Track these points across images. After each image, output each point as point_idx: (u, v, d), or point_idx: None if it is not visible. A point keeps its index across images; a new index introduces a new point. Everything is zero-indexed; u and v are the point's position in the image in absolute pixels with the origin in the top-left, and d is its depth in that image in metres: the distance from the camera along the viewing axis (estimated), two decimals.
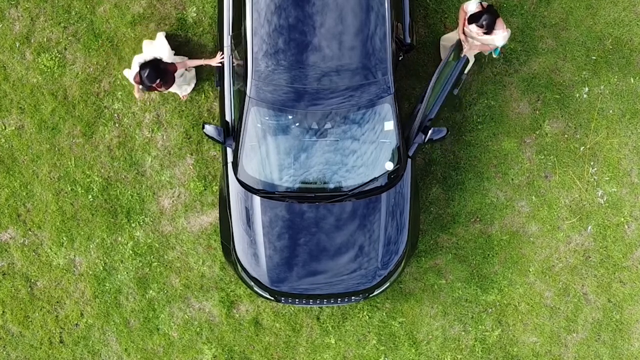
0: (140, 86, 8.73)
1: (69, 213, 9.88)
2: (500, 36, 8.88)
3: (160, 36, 9.43)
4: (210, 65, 9.42)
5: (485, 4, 8.93)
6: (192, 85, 9.72)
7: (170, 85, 8.84)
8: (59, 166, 9.87)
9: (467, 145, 9.92)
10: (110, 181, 9.88)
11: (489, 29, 8.80)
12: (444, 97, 8.93)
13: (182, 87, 9.59)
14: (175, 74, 8.89)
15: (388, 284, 9.28)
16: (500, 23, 8.86)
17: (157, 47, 9.25)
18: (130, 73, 9.25)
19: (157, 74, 8.59)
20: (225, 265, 9.87)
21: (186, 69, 9.25)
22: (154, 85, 8.64)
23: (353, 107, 8.65)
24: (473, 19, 8.84)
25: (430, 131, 8.90)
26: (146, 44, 9.36)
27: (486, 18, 8.75)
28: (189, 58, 9.52)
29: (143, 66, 8.61)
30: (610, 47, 9.97)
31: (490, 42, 8.93)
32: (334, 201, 8.93)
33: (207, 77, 9.84)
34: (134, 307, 9.90)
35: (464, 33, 9.03)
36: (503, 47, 9.53)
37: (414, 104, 9.64)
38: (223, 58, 9.11)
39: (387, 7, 8.61)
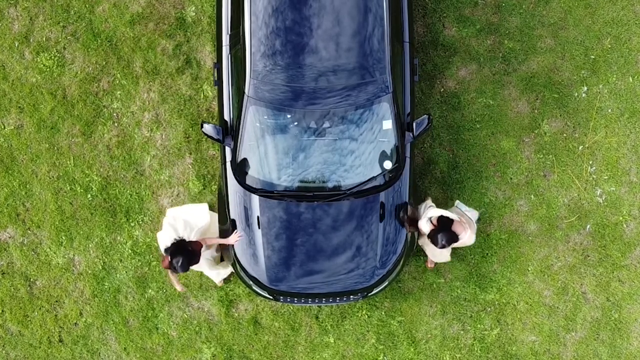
0: (171, 270, 8.68)
1: (68, 212, 9.88)
2: (466, 237, 8.81)
3: (205, 207, 9.42)
4: (226, 245, 9.26)
5: (435, 218, 8.82)
6: (229, 270, 9.56)
7: (198, 261, 8.73)
8: (58, 165, 9.88)
9: (465, 145, 9.93)
10: (110, 180, 9.89)
11: (450, 243, 8.69)
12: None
13: (217, 272, 9.49)
14: (202, 250, 8.81)
15: (387, 282, 9.28)
16: (459, 226, 8.74)
17: (196, 214, 9.22)
18: (162, 237, 9.10)
19: (189, 259, 8.49)
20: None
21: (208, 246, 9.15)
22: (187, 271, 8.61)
23: (351, 106, 8.66)
24: (432, 239, 8.74)
25: (414, 125, 8.92)
26: (186, 209, 9.34)
27: (443, 237, 8.63)
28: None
29: (173, 253, 8.48)
30: (609, 46, 9.97)
31: (460, 245, 8.89)
32: (332, 200, 8.93)
33: (206, 76, 9.85)
34: (133, 306, 9.91)
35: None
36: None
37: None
38: (240, 237, 9.04)
39: (385, 8, 8.61)
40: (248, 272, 9.16)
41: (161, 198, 9.89)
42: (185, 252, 8.49)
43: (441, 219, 8.81)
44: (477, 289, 9.92)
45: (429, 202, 9.39)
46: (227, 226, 9.13)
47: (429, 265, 9.80)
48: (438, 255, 9.35)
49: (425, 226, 8.91)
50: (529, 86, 9.94)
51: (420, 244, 9.48)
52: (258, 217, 9.02)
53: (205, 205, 9.48)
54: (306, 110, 8.65)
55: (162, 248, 8.83)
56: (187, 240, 8.67)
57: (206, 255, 9.10)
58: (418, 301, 9.92)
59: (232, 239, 9.03)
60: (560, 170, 9.97)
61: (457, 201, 9.52)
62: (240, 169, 8.92)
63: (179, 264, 8.43)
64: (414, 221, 9.16)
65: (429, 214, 8.95)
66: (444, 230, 8.70)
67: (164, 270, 9.49)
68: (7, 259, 9.92)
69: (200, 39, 9.85)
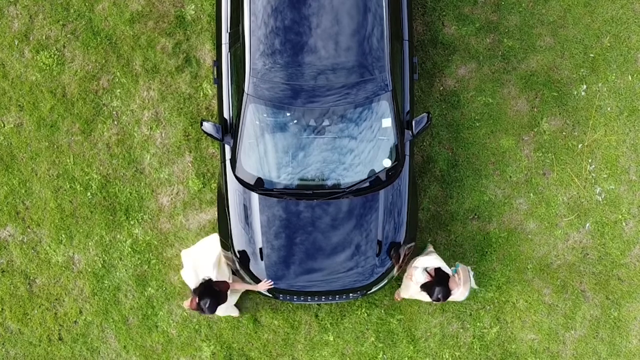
0: (198, 312, 8.67)
1: (67, 210, 9.89)
2: (458, 294, 8.76)
3: (216, 237, 9.35)
4: (254, 291, 9.22)
5: (432, 269, 8.77)
6: (236, 313, 9.61)
7: (225, 301, 8.71)
8: (57, 164, 9.88)
9: (465, 143, 9.93)
10: (109, 179, 9.89)
11: (445, 299, 8.64)
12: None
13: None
14: (228, 292, 8.77)
15: (386, 281, 9.29)
16: (452, 281, 8.68)
17: (210, 248, 9.17)
18: (186, 274, 9.07)
19: (216, 300, 8.49)
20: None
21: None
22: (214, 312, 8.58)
23: (351, 104, 8.66)
24: (426, 289, 8.68)
25: (413, 123, 8.92)
26: (200, 246, 9.27)
27: (440, 291, 8.56)
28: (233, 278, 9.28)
29: (201, 295, 8.46)
30: (608, 44, 9.98)
31: (450, 300, 8.84)
32: (332, 198, 8.94)
33: (206, 75, 9.85)
34: (132, 304, 9.92)
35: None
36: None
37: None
38: (270, 285, 8.99)
39: (385, 6, 8.62)
40: (248, 270, 9.17)
41: (161, 196, 9.90)
42: (212, 293, 8.49)
43: (438, 271, 8.76)
44: (476, 287, 9.92)
45: (430, 248, 9.36)
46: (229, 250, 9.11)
47: (397, 298, 9.74)
48: (416, 295, 9.18)
49: (420, 276, 8.83)
50: (528, 84, 9.95)
51: (404, 285, 9.41)
52: (257, 215, 9.02)
53: (215, 235, 9.42)
54: (306, 108, 8.66)
55: (191, 287, 8.82)
56: (214, 280, 8.66)
57: (231, 299, 9.13)
58: (417, 299, 9.93)
59: (262, 287, 8.98)
60: (560, 168, 9.97)
61: (458, 262, 9.34)
62: (240, 167, 8.93)
63: (207, 305, 8.43)
64: (402, 258, 9.13)
65: (425, 263, 8.87)
66: (441, 285, 8.61)
67: (190, 309, 9.23)
68: (7, 257, 9.93)
69: (199, 37, 9.86)
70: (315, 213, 9.04)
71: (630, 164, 9.99)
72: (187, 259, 9.06)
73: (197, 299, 8.47)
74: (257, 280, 9.13)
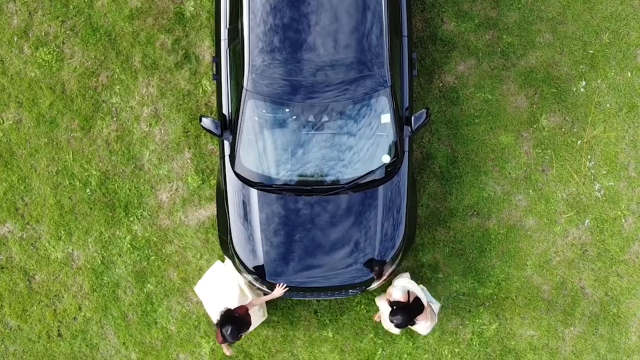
0: (226, 343, 8.68)
1: (67, 207, 9.89)
2: (422, 326, 8.75)
3: (220, 265, 9.36)
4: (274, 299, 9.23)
5: (412, 294, 8.72)
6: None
7: (248, 327, 8.74)
8: (57, 160, 9.89)
9: (464, 139, 9.94)
10: (108, 175, 9.90)
11: (399, 327, 8.61)
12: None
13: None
14: (250, 312, 8.80)
15: (385, 276, 9.29)
16: (424, 314, 8.64)
17: (220, 277, 9.21)
18: (209, 310, 9.12)
19: (238, 327, 8.51)
20: (223, 259, 9.88)
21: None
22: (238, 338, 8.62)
23: (350, 100, 8.66)
24: (392, 310, 8.63)
25: (412, 120, 8.92)
26: (215, 269, 9.29)
27: (399, 319, 8.51)
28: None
29: (222, 324, 8.50)
30: (608, 41, 9.98)
31: (412, 328, 8.82)
32: (331, 194, 8.94)
33: (205, 71, 9.86)
34: (132, 300, 9.92)
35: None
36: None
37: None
38: (286, 289, 9.00)
39: (384, 2, 8.62)
40: (247, 266, 9.17)
41: (160, 193, 9.90)
42: (233, 321, 8.51)
43: (416, 299, 8.72)
44: (475, 283, 9.93)
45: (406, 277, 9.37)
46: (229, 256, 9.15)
47: (376, 319, 9.71)
48: (386, 322, 9.19)
49: (397, 293, 8.80)
50: (527, 81, 9.95)
51: (377, 300, 9.41)
52: (256, 210, 9.02)
53: (219, 263, 9.43)
54: (304, 104, 8.66)
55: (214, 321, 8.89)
56: (231, 308, 8.68)
57: (257, 314, 9.14)
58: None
59: (278, 293, 8.97)
60: (559, 165, 9.97)
61: (424, 287, 9.30)
62: (239, 163, 8.93)
63: (229, 332, 8.46)
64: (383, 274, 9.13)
65: (408, 285, 8.84)
66: (409, 314, 8.56)
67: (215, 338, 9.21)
68: (6, 254, 9.93)
69: (199, 34, 9.86)
70: (315, 210, 9.04)
71: (630, 161, 9.98)
72: (205, 296, 9.12)
73: (220, 330, 8.52)
74: (256, 276, 9.14)
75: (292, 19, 8.57)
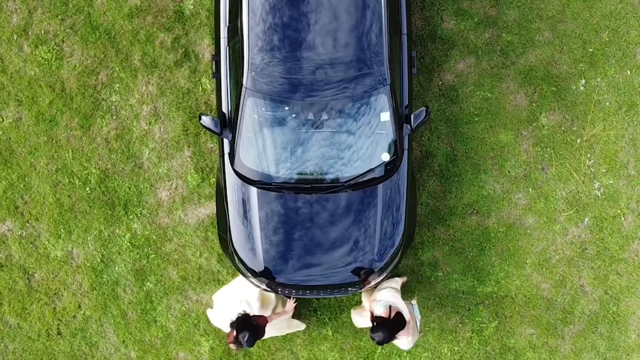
0: (236, 346, 8.66)
1: (66, 205, 9.89)
2: (403, 342, 8.70)
3: (242, 279, 9.32)
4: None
5: (395, 309, 8.67)
6: (300, 325, 9.64)
7: (262, 336, 8.72)
8: (56, 158, 9.89)
9: (463, 138, 9.94)
10: (108, 173, 9.90)
11: (380, 344, 8.57)
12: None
13: (292, 325, 9.58)
14: (267, 326, 8.80)
15: (384, 275, 9.28)
16: (406, 329, 8.60)
17: (242, 288, 9.18)
18: (216, 318, 9.13)
19: (254, 334, 8.49)
20: (223, 257, 9.89)
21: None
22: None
23: (349, 98, 8.66)
24: (374, 325, 8.59)
25: (412, 118, 8.92)
26: (234, 286, 9.28)
27: (380, 336, 8.46)
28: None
29: (239, 328, 8.48)
30: (607, 39, 9.98)
31: (395, 343, 8.78)
32: (331, 192, 8.94)
33: (204, 69, 9.86)
34: (131, 299, 9.92)
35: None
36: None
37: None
38: (296, 302, 9.11)
39: (383, 1, 8.61)
40: (246, 264, 9.17)
41: (159, 191, 9.90)
42: (251, 327, 8.49)
43: (398, 315, 8.68)
44: (475, 282, 9.93)
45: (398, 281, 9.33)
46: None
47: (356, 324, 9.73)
48: (365, 323, 9.16)
49: (378, 308, 8.76)
50: (527, 79, 9.95)
51: (362, 309, 9.40)
52: (256, 209, 9.03)
53: (241, 277, 9.41)
54: (304, 102, 8.66)
55: (215, 325, 8.90)
56: (250, 315, 8.69)
57: (281, 324, 9.22)
58: (415, 294, 9.93)
59: (290, 307, 9.08)
60: (559, 163, 9.98)
61: (414, 302, 9.28)
62: (238, 161, 8.93)
63: (245, 339, 8.42)
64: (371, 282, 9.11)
65: (390, 299, 8.78)
66: (390, 330, 8.52)
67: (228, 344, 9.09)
68: (5, 252, 9.93)
69: (198, 32, 9.86)
70: (314, 208, 9.04)
71: (629, 159, 9.99)
72: (221, 305, 9.08)
73: (234, 332, 8.49)
74: (255, 274, 9.14)
75: (292, 17, 8.57)
